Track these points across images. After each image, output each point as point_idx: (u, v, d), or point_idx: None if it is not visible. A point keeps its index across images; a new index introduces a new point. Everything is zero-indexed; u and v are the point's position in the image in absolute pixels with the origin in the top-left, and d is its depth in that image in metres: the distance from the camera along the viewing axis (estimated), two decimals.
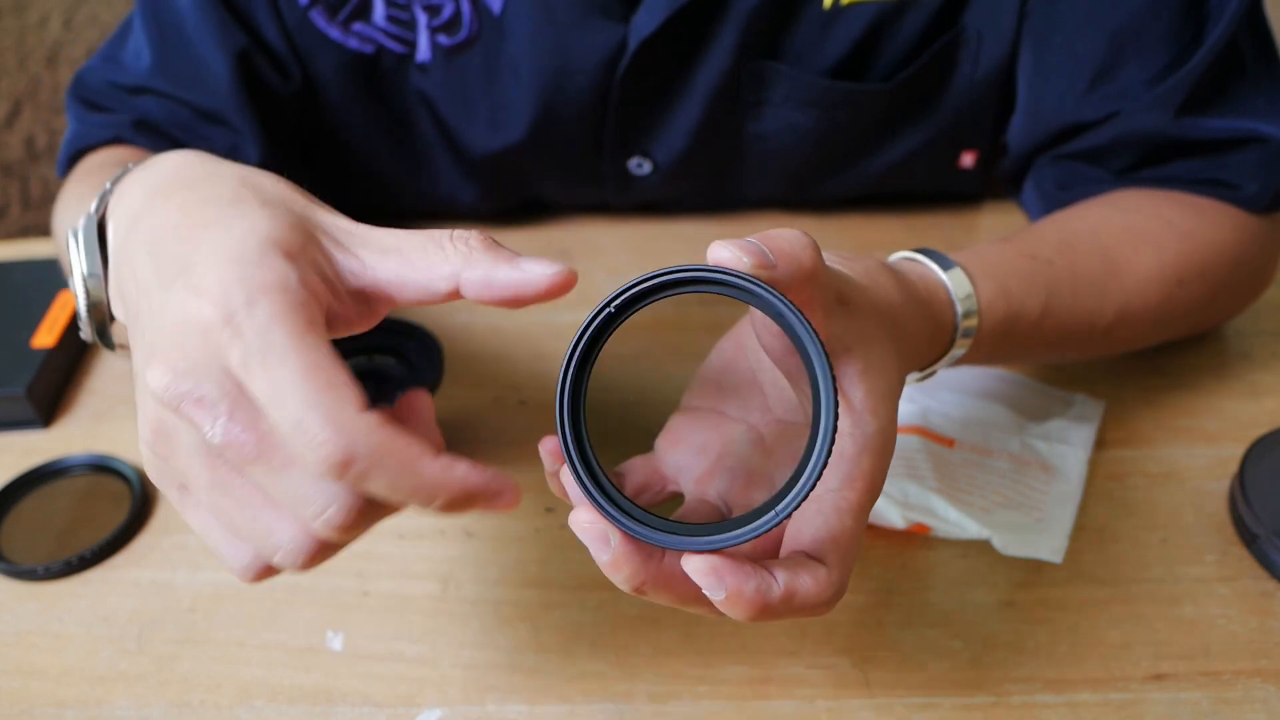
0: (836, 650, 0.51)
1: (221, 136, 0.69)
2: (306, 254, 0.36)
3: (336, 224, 0.38)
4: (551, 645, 0.52)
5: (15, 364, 0.67)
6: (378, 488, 0.31)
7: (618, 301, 0.34)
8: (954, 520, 0.55)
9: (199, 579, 0.57)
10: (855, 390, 0.38)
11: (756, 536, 0.32)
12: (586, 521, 0.34)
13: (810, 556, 0.36)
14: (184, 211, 0.38)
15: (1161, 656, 0.50)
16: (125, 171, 0.45)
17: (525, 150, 0.73)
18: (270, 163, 0.70)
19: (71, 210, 0.59)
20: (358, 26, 0.69)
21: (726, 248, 0.34)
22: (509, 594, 0.54)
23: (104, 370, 0.71)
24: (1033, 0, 0.64)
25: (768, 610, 0.34)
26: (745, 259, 0.34)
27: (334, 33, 0.69)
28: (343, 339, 0.38)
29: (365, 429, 0.31)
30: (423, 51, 0.70)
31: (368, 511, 0.33)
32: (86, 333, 0.44)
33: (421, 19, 0.69)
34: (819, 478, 0.32)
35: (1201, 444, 0.61)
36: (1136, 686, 0.49)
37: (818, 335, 0.33)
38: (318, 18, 0.68)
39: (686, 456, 0.43)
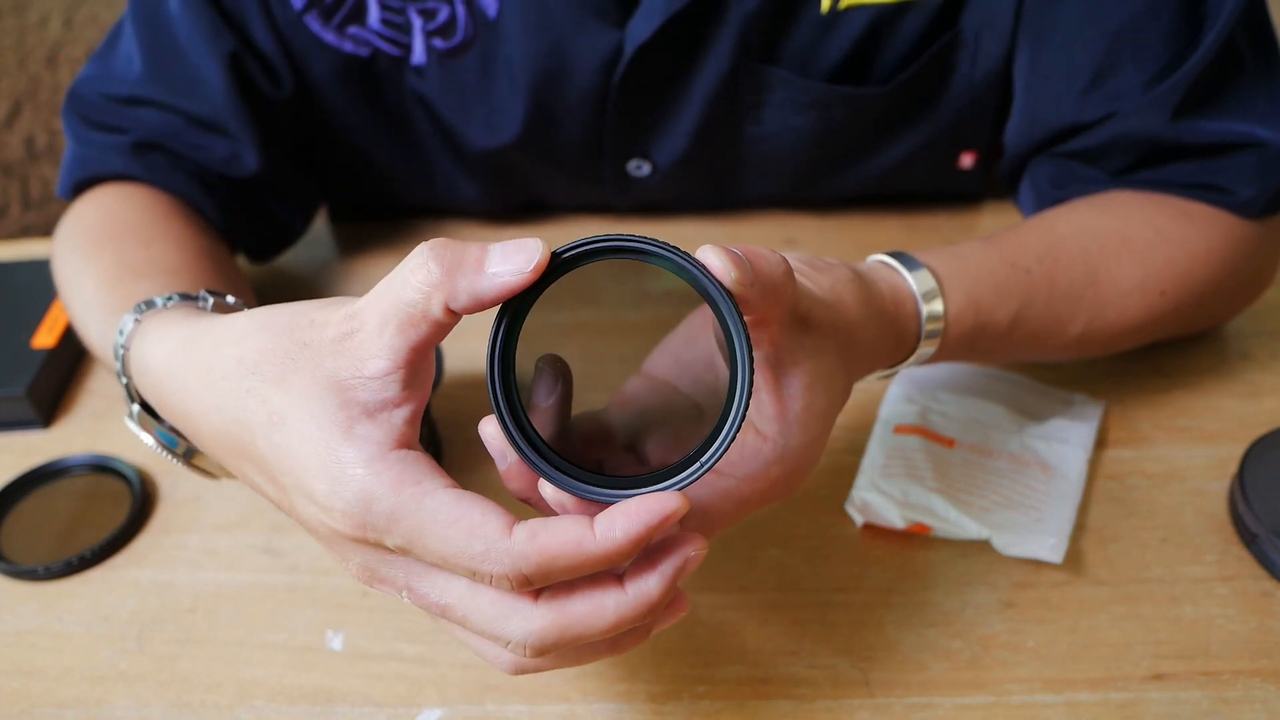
0: (836, 650, 0.51)
1: (219, 145, 0.69)
2: (352, 412, 0.36)
3: (330, 342, 0.37)
4: None
5: (15, 364, 0.67)
6: (561, 579, 0.35)
7: (551, 263, 0.35)
8: (954, 520, 0.55)
9: (199, 579, 0.57)
10: (795, 401, 0.40)
11: (609, 501, 0.35)
12: (490, 435, 0.37)
13: None
14: (226, 429, 0.40)
15: (1161, 656, 0.50)
16: (124, 350, 0.49)
17: (522, 150, 0.73)
18: (269, 168, 0.70)
19: (78, 300, 0.60)
20: (353, 30, 0.69)
21: (718, 255, 0.34)
22: None
23: (104, 370, 0.71)
24: (1029, 1, 0.64)
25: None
26: (734, 271, 0.34)
27: (329, 36, 0.69)
28: None
29: (521, 550, 0.34)
30: (418, 54, 0.70)
31: (559, 639, 0.36)
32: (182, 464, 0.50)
33: (416, 23, 0.69)
34: (702, 474, 0.35)
35: (1201, 444, 0.61)
36: (1136, 686, 0.49)
37: (745, 329, 0.34)
38: (312, 22, 0.68)
39: (630, 417, 0.45)
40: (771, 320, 0.37)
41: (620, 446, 0.44)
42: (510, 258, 0.34)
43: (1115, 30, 0.61)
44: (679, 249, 0.35)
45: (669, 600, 0.36)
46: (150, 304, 0.51)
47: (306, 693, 0.51)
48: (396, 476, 0.35)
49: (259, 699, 0.51)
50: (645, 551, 0.36)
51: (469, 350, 0.69)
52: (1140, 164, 0.63)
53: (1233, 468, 0.57)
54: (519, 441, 0.35)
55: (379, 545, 0.36)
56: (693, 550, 0.36)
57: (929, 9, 0.65)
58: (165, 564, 0.58)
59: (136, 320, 0.50)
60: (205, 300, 0.51)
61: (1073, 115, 0.63)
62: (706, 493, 0.40)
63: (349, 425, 0.36)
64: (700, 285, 0.35)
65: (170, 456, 0.49)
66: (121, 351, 0.49)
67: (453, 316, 0.35)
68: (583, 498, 0.35)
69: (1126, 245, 0.58)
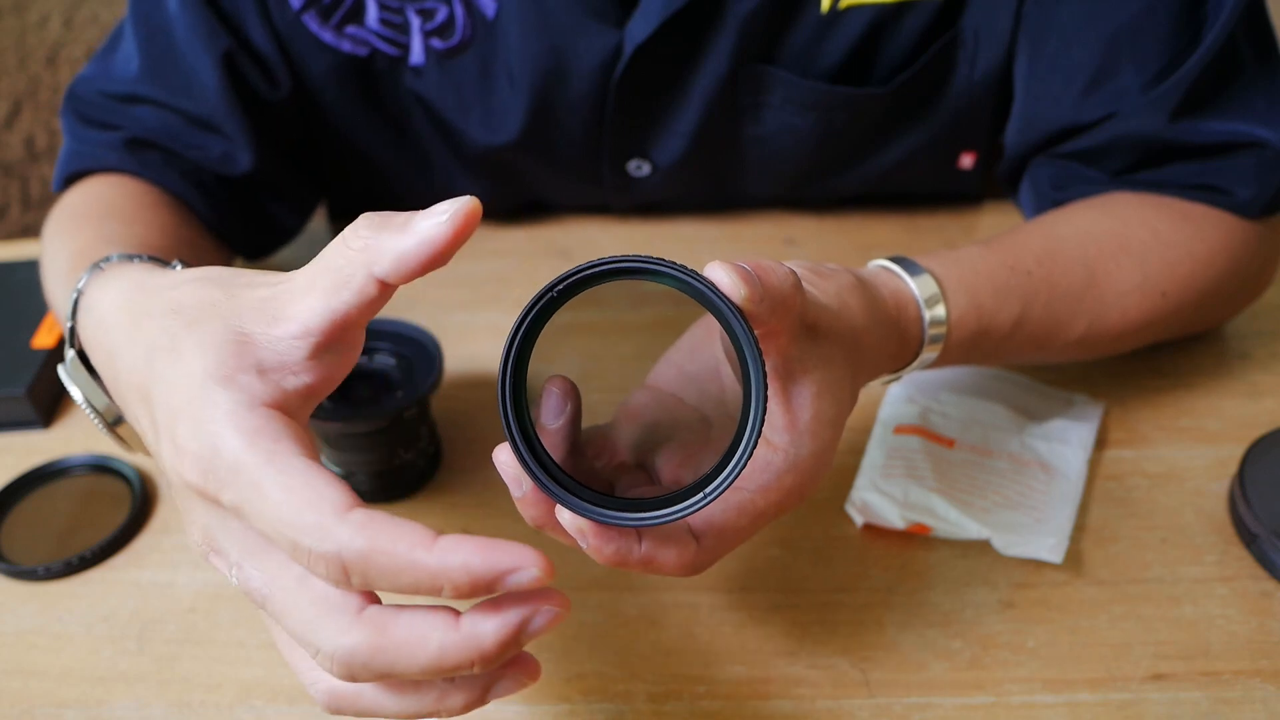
0: (836, 650, 0.51)
1: (214, 144, 0.69)
2: (243, 362, 0.35)
3: (256, 299, 0.37)
4: (551, 645, 0.52)
5: (15, 364, 0.67)
6: (383, 585, 0.32)
7: (561, 286, 0.35)
8: (954, 520, 0.55)
9: (199, 579, 0.57)
10: (804, 410, 0.39)
11: (627, 526, 0.35)
12: (505, 462, 0.36)
13: (691, 530, 0.39)
14: (135, 365, 0.39)
15: (1161, 656, 0.50)
16: (78, 295, 0.48)
17: (521, 150, 0.73)
18: (263, 167, 0.70)
19: (52, 275, 0.59)
20: (351, 29, 0.69)
21: (727, 272, 0.34)
22: None
23: None
24: (1029, 2, 0.64)
25: (626, 565, 0.38)
26: (743, 289, 0.34)
27: (327, 36, 0.69)
28: None
29: (350, 534, 0.31)
30: (416, 54, 0.70)
31: (369, 661, 0.32)
32: (105, 432, 0.49)
33: (415, 22, 0.68)
34: (719, 495, 0.34)
35: (1201, 444, 0.61)
36: (1136, 686, 0.49)
37: (758, 347, 0.34)
38: (310, 21, 0.68)
39: (638, 432, 0.45)
40: (781, 332, 0.37)
41: (630, 463, 0.44)
42: (433, 213, 0.34)
43: (1115, 31, 0.61)
44: (687, 267, 0.34)
45: (507, 654, 0.33)
46: (107, 260, 0.50)
47: (306, 693, 0.51)
48: (256, 428, 0.33)
49: (259, 699, 0.51)
50: (497, 598, 0.33)
51: (469, 351, 0.69)
52: (1140, 164, 0.63)
53: (1233, 468, 0.57)
54: (534, 469, 0.35)
55: (218, 502, 0.34)
56: (546, 608, 0.33)
57: (929, 9, 0.65)
58: (165, 564, 0.58)
59: (99, 270, 0.48)
60: (176, 267, 0.50)
61: (1072, 116, 0.63)
62: (721, 508, 0.40)
63: (231, 374, 0.35)
64: (711, 304, 0.34)
65: (93, 415, 0.47)
66: (75, 296, 0.48)
67: (378, 286, 0.35)
68: (603, 523, 0.35)
69: (1125, 247, 0.58)
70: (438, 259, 0.34)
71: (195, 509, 0.36)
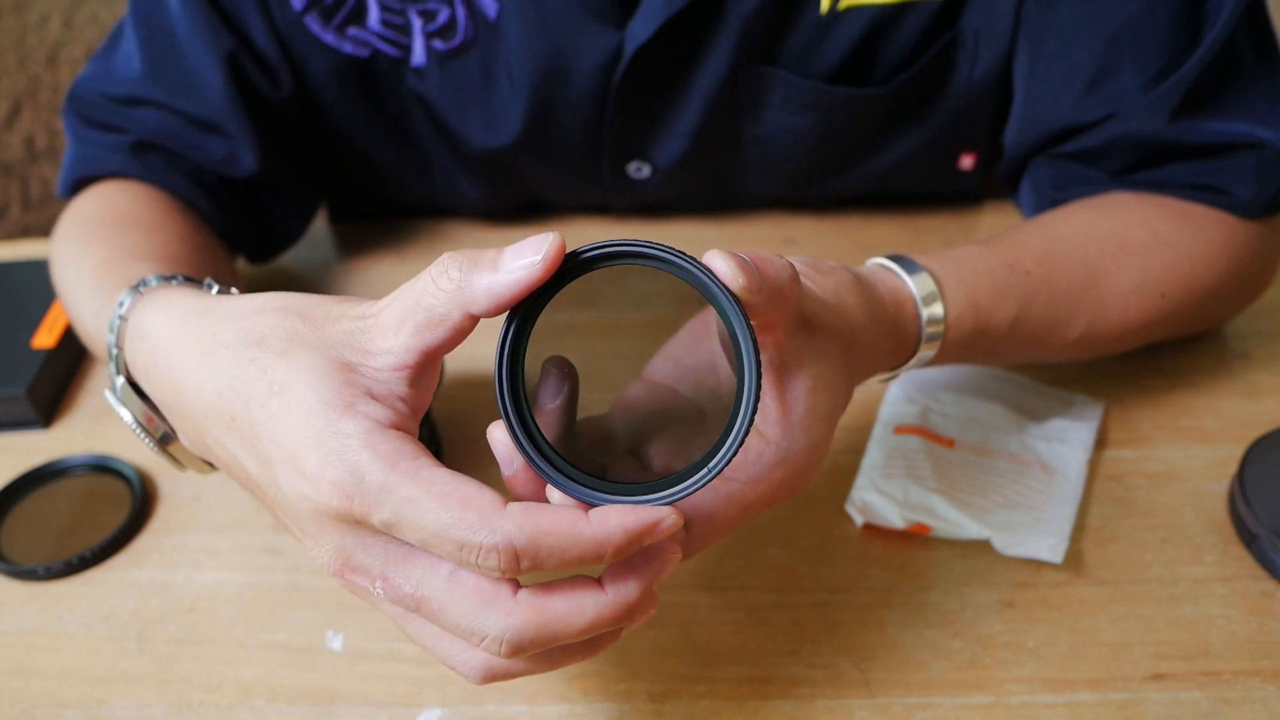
0: (836, 650, 0.51)
1: (217, 145, 0.69)
2: (356, 391, 0.36)
3: (343, 331, 0.38)
4: None
5: (15, 364, 0.67)
6: (551, 564, 0.34)
7: (563, 268, 0.35)
8: (954, 520, 0.55)
9: (199, 579, 0.57)
10: (799, 405, 0.40)
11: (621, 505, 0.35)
12: (499, 439, 0.37)
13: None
14: (220, 393, 0.40)
15: (1161, 656, 0.50)
16: (122, 321, 0.49)
17: (522, 151, 0.73)
18: (267, 168, 0.70)
19: (73, 281, 0.59)
20: (352, 31, 0.69)
21: (726, 261, 0.34)
22: None
23: (104, 371, 0.71)
24: (1029, 3, 0.64)
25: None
26: (741, 278, 0.34)
27: (328, 37, 0.69)
28: None
29: (516, 521, 0.34)
30: (418, 56, 0.70)
31: (536, 637, 0.35)
32: (153, 447, 0.49)
33: (416, 24, 0.69)
34: (709, 480, 0.35)
35: (1201, 444, 0.61)
36: (1136, 686, 0.49)
37: (753, 336, 0.35)
38: (312, 23, 0.68)
39: (633, 423, 0.45)
40: (777, 324, 0.37)
41: (623, 451, 0.44)
42: (523, 253, 0.34)
43: (1115, 31, 0.61)
44: (688, 254, 0.35)
45: (648, 604, 0.37)
46: (145, 283, 0.50)
47: (306, 693, 0.51)
48: (393, 451, 0.35)
49: (259, 699, 0.51)
50: (627, 560, 0.36)
51: (469, 350, 0.69)
52: (1140, 165, 0.63)
53: (1233, 468, 0.57)
54: (526, 448, 0.35)
55: (362, 523, 0.36)
56: (670, 555, 0.37)
57: (929, 10, 0.65)
58: (165, 564, 0.58)
59: (139, 294, 0.49)
60: (210, 286, 0.51)
61: (1072, 116, 0.63)
62: (710, 497, 0.40)
63: (351, 401, 0.36)
64: (709, 292, 0.35)
65: (145, 436, 0.48)
66: (119, 322, 0.49)
67: (472, 321, 0.36)
68: (592, 504, 0.35)
69: (1125, 247, 0.58)
70: (528, 293, 0.35)
71: (326, 532, 0.37)
